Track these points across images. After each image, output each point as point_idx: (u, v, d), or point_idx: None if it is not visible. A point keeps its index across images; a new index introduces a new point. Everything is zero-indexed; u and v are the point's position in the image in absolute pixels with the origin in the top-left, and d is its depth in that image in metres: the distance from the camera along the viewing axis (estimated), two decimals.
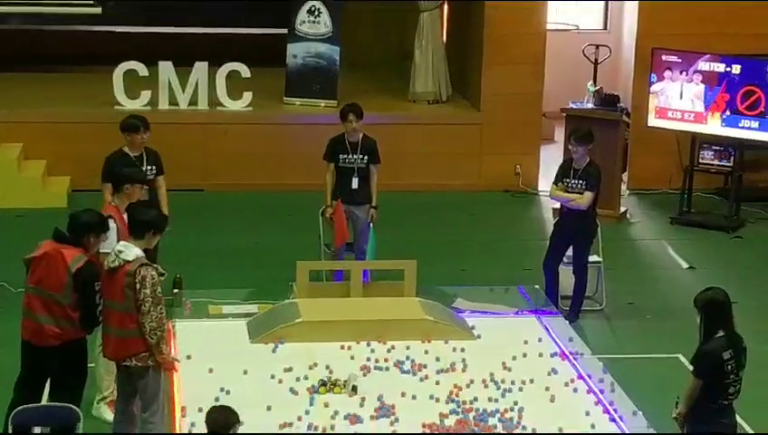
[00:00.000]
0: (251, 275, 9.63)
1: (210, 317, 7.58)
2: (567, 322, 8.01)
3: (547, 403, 6.55)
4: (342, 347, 7.11)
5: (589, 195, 9.02)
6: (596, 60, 12.01)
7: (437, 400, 6.54)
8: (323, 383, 6.55)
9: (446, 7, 13.20)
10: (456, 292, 8.05)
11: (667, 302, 9.70)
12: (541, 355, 7.14)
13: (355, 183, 9.31)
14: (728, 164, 11.73)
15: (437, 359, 7.01)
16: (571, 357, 7.15)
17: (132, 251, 6.55)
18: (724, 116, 11.37)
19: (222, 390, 6.52)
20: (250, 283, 8.76)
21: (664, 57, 11.53)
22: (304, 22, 12.52)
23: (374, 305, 7.53)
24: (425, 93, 12.79)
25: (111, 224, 7.23)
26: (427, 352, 7.11)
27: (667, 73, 11.54)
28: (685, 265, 10.62)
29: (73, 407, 6.59)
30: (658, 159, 12.31)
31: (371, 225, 9.26)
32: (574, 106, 11.77)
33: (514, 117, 12.34)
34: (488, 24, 12.36)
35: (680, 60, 11.46)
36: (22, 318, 6.85)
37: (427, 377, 6.81)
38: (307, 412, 6.34)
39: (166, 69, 12.04)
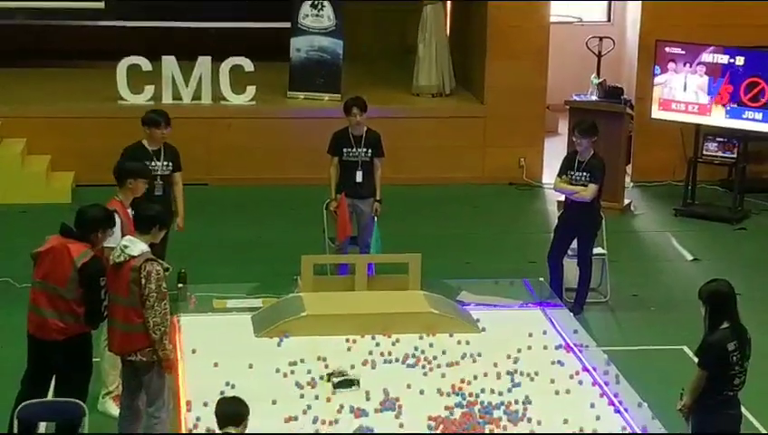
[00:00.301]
0: (255, 269, 9.64)
1: (215, 311, 7.59)
2: (572, 314, 8.01)
3: (552, 396, 6.55)
4: (347, 341, 7.12)
5: (593, 187, 9.02)
6: (599, 52, 12.00)
7: (443, 393, 6.54)
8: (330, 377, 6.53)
9: (449, 1, 13.19)
10: (461, 285, 8.05)
11: (672, 294, 9.70)
12: (545, 348, 7.14)
13: (359, 177, 9.31)
14: (732, 156, 11.72)
15: (442, 352, 7.02)
16: (575, 349, 7.15)
17: (138, 246, 6.55)
18: (728, 108, 11.35)
19: (227, 384, 6.53)
20: (254, 277, 8.76)
21: (667, 49, 11.51)
22: (307, 16, 12.51)
23: (379, 299, 7.53)
24: (428, 87, 12.79)
25: (116, 219, 7.24)
26: (431, 345, 7.11)
27: (671, 65, 11.52)
28: (689, 257, 10.62)
29: (79, 402, 6.61)
30: (662, 150, 12.30)
31: (375, 218, 9.27)
32: (578, 99, 11.77)
33: (518, 110, 12.33)
34: (491, 17, 12.35)
35: (684, 52, 11.44)
36: (27, 311, 6.86)
37: (432, 370, 6.82)
38: (309, 407, 6.35)
39: (169, 63, 12.05)
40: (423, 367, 6.84)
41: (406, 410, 6.34)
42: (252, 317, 7.41)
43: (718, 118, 11.42)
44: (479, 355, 6.99)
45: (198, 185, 11.76)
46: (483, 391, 6.56)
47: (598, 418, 6.33)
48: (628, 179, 12.23)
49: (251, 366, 6.79)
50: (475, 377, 6.70)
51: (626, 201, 11.80)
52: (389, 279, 7.83)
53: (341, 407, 6.34)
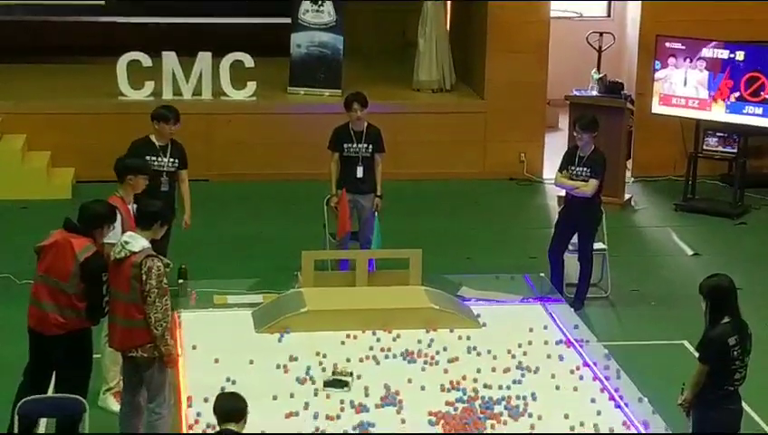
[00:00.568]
0: (256, 264, 9.64)
1: (215, 307, 7.59)
2: (572, 309, 8.00)
3: (553, 391, 6.55)
4: (348, 336, 7.12)
5: (593, 182, 9.02)
6: (600, 47, 12.00)
7: (443, 388, 6.55)
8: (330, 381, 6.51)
9: None
10: (462, 280, 8.05)
11: (672, 289, 9.70)
12: (546, 343, 7.15)
13: (360, 172, 9.31)
14: (732, 150, 11.72)
15: (443, 347, 7.02)
16: (576, 344, 7.15)
17: (139, 242, 6.56)
18: (729, 102, 11.35)
19: (228, 380, 6.53)
20: (255, 273, 8.77)
21: (668, 44, 11.51)
22: (308, 11, 12.51)
23: (379, 294, 7.53)
24: (429, 82, 12.78)
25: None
26: (432, 340, 7.12)
27: (671, 60, 11.52)
28: (689, 252, 10.62)
29: (79, 398, 6.61)
30: (663, 146, 12.30)
31: (376, 214, 9.27)
32: (578, 94, 11.76)
33: (519, 105, 12.33)
34: (492, 13, 12.34)
35: (684, 47, 11.44)
36: (28, 305, 6.87)
37: (432, 365, 6.82)
38: (310, 402, 6.35)
39: (169, 59, 12.04)
40: (424, 362, 6.85)
41: (407, 405, 6.34)
42: (252, 313, 7.42)
43: (718, 113, 11.41)
44: (480, 351, 7.00)
45: (199, 181, 11.76)
46: (484, 386, 6.56)
47: (598, 413, 6.33)
48: (628, 174, 12.23)
49: (252, 362, 6.79)
50: (476, 372, 6.70)
51: (626, 196, 11.80)
52: (390, 274, 7.82)
53: (342, 402, 6.34)
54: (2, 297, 8.96)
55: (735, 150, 11.69)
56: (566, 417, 6.26)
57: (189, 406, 6.30)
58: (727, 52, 11.31)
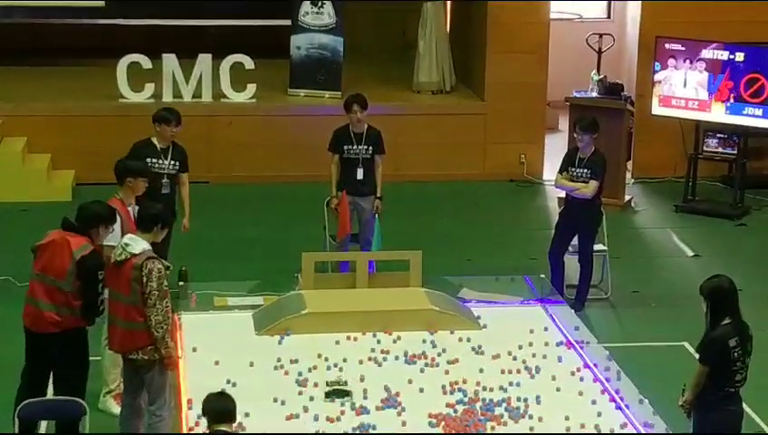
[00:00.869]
0: (256, 266, 9.64)
1: (216, 309, 7.59)
2: (573, 311, 8.00)
3: (553, 392, 6.55)
4: (348, 338, 7.12)
5: (594, 184, 9.02)
6: (599, 49, 12.00)
7: (444, 390, 6.55)
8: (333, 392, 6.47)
9: None
10: (462, 282, 8.05)
11: (673, 290, 9.70)
12: (546, 344, 7.15)
13: (360, 174, 9.31)
14: (732, 152, 11.72)
15: (443, 349, 7.02)
16: (576, 346, 7.15)
17: (139, 244, 6.56)
18: (728, 104, 11.35)
19: (228, 382, 6.53)
20: (255, 275, 8.77)
21: (667, 45, 11.51)
22: (308, 13, 12.51)
23: (380, 296, 7.53)
24: (429, 83, 12.78)
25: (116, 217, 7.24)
26: (432, 342, 7.12)
27: (671, 62, 11.52)
28: (690, 253, 10.62)
29: (79, 400, 6.61)
30: (663, 147, 12.30)
31: (376, 215, 9.27)
32: (578, 95, 11.77)
33: (519, 106, 12.33)
34: (492, 14, 12.35)
35: (684, 48, 11.44)
36: (24, 305, 6.87)
37: (432, 367, 6.82)
38: (311, 404, 6.35)
39: (170, 61, 12.05)
40: (424, 364, 6.85)
41: (407, 407, 6.34)
42: (253, 315, 7.42)
43: (718, 114, 11.42)
44: (480, 352, 7.00)
45: (199, 183, 11.76)
46: (484, 388, 6.56)
47: (599, 414, 6.33)
48: (628, 176, 12.23)
49: (252, 364, 6.79)
50: (476, 374, 6.70)
51: (626, 198, 11.80)
52: (390, 276, 7.83)
53: (343, 405, 6.34)
54: (2, 299, 8.96)
55: (735, 152, 11.69)
56: (567, 418, 6.26)
57: (190, 408, 6.30)
58: (727, 53, 11.31)
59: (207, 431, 5.53)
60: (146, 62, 12.03)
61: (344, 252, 9.11)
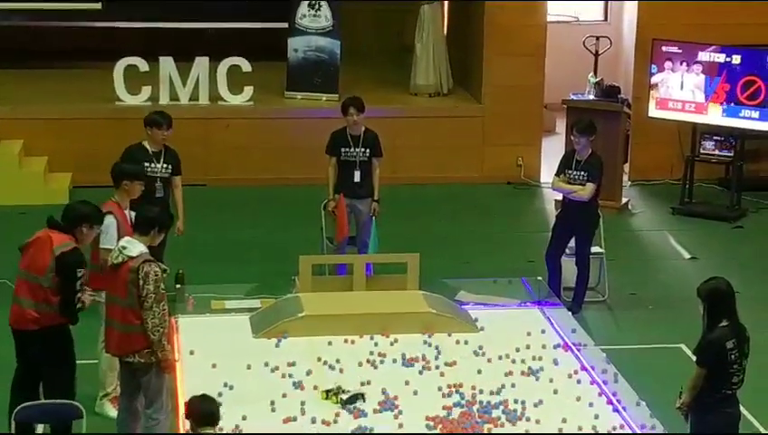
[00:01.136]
0: (253, 269, 9.64)
1: (213, 312, 7.58)
2: (570, 313, 8.00)
3: (550, 395, 6.55)
4: (346, 341, 7.12)
5: (591, 186, 9.03)
6: (596, 51, 12.01)
7: (441, 392, 6.55)
8: (335, 393, 6.43)
9: (446, 0, 13.19)
10: (459, 284, 8.05)
11: (670, 292, 9.70)
12: (544, 347, 7.14)
13: (357, 176, 9.31)
14: (729, 154, 11.73)
15: (441, 352, 7.02)
16: (574, 348, 7.15)
17: (136, 247, 6.56)
18: (725, 106, 11.36)
19: (225, 385, 6.53)
20: (252, 277, 8.76)
21: (664, 48, 11.52)
22: (305, 16, 12.51)
23: (377, 299, 7.53)
24: (426, 86, 12.79)
25: (112, 220, 7.25)
26: (430, 344, 7.11)
27: (668, 64, 11.53)
28: (686, 256, 10.63)
29: (75, 404, 6.60)
30: (660, 149, 12.31)
31: (374, 218, 9.27)
32: (575, 98, 11.77)
33: (516, 109, 12.34)
34: (489, 16, 12.35)
35: (680, 51, 11.45)
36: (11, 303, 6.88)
37: (430, 370, 6.82)
38: (308, 407, 6.35)
39: (166, 64, 12.04)
40: (422, 367, 6.85)
41: (404, 410, 6.34)
42: (250, 318, 7.41)
43: (715, 116, 11.43)
44: (478, 355, 7.00)
45: (196, 186, 11.77)
46: (481, 390, 6.56)
47: (596, 416, 6.33)
48: (625, 178, 12.24)
49: (249, 367, 6.79)
50: (474, 376, 6.70)
51: (623, 200, 11.81)
52: (388, 279, 7.83)
53: (339, 407, 6.33)
54: None
55: (732, 154, 11.71)
56: (564, 421, 6.26)
57: None
58: (724, 55, 11.32)
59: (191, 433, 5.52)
60: (143, 65, 12.03)
61: (341, 255, 9.11)
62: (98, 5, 13.09)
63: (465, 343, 7.15)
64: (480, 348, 7.05)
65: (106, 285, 6.74)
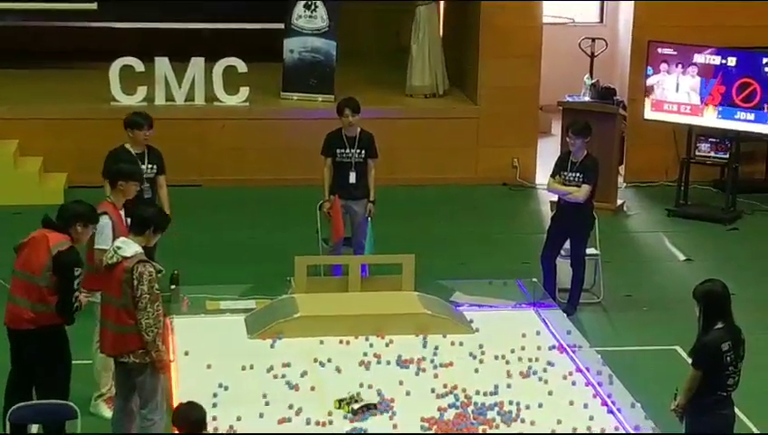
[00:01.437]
0: (249, 270, 9.63)
1: (208, 313, 7.57)
2: (565, 314, 8.01)
3: (545, 396, 6.55)
4: (341, 342, 7.12)
5: (586, 187, 9.03)
6: (592, 53, 12.02)
7: (436, 394, 6.54)
8: (348, 402, 6.39)
9: (442, 1, 13.20)
10: (454, 285, 8.05)
11: (665, 294, 9.71)
12: (539, 348, 7.15)
13: (352, 177, 9.31)
14: (724, 156, 11.74)
15: (436, 353, 7.01)
16: (569, 350, 7.16)
17: (131, 247, 6.55)
18: (720, 108, 11.37)
19: (220, 386, 6.53)
20: (248, 278, 8.75)
21: (660, 50, 11.53)
22: (301, 17, 12.51)
23: (372, 300, 7.53)
24: (422, 87, 12.79)
25: (107, 220, 7.24)
26: (425, 345, 7.11)
27: (663, 66, 11.54)
28: (682, 258, 10.64)
29: (70, 404, 6.59)
30: (655, 151, 12.32)
31: (369, 219, 9.27)
32: (571, 99, 11.78)
33: (511, 110, 12.34)
34: (485, 18, 12.36)
35: (676, 53, 11.46)
36: (6, 303, 6.87)
37: (425, 371, 6.82)
38: (302, 408, 6.34)
39: (162, 64, 12.03)
40: (417, 368, 6.84)
41: (399, 411, 6.34)
42: (245, 319, 7.40)
43: (710, 118, 11.44)
44: (473, 356, 6.99)
45: (192, 186, 11.76)
46: (476, 392, 6.56)
47: (591, 418, 6.33)
48: (621, 180, 12.24)
49: (244, 368, 6.78)
50: (469, 378, 6.70)
51: (619, 202, 11.81)
52: (383, 280, 7.83)
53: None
54: None
55: (727, 156, 11.71)
56: (558, 422, 6.26)
57: None
58: (719, 57, 11.33)
59: None
60: (138, 66, 12.02)
61: (337, 256, 9.11)
62: (93, 6, 13.06)
63: (461, 344, 7.15)
64: (475, 349, 7.05)
65: (101, 286, 6.74)
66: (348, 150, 9.33)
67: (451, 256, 10.34)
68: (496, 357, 6.98)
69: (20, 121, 11.90)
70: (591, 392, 6.64)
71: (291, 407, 6.31)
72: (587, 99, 11.71)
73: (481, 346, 7.10)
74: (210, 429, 5.59)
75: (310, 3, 12.46)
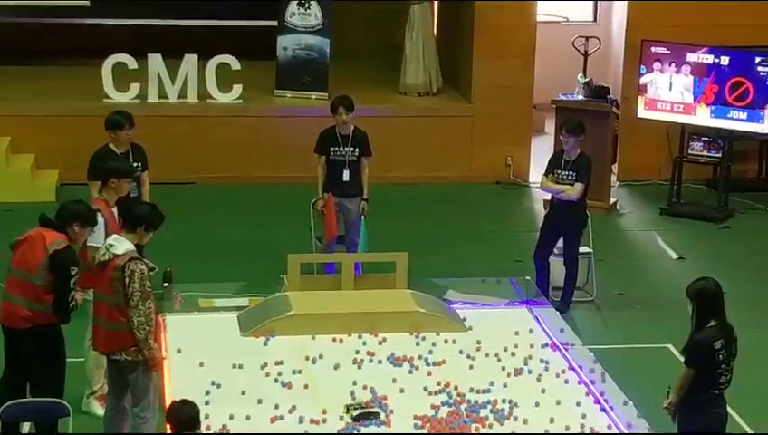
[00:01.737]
0: (242, 268, 9.62)
1: (201, 311, 7.57)
2: (558, 313, 8.02)
3: (538, 394, 6.56)
4: (334, 340, 7.11)
5: (579, 186, 9.04)
6: (586, 52, 12.03)
7: (429, 392, 6.54)
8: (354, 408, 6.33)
9: (436, 0, 13.19)
10: (448, 283, 8.05)
11: (657, 292, 9.72)
12: (532, 346, 7.15)
13: (346, 175, 9.30)
14: (717, 155, 11.76)
15: (429, 351, 7.01)
16: (561, 348, 7.16)
17: (123, 245, 6.54)
18: (713, 107, 11.38)
19: (213, 383, 6.52)
20: (241, 276, 8.75)
21: (653, 49, 11.54)
22: (294, 14, 12.49)
23: (365, 298, 7.53)
24: (415, 85, 12.78)
25: (99, 217, 7.22)
26: (418, 344, 7.11)
27: (657, 65, 11.55)
28: (674, 256, 10.65)
29: (62, 402, 6.58)
30: (648, 150, 12.33)
31: (363, 217, 9.26)
32: (564, 98, 11.79)
33: (505, 109, 12.34)
34: (479, 16, 12.35)
35: (669, 52, 11.47)
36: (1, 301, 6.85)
37: (418, 369, 6.82)
38: (295, 406, 6.34)
39: (155, 61, 12.01)
40: (410, 366, 6.84)
41: (392, 409, 6.33)
42: (238, 316, 7.40)
43: (703, 117, 11.45)
44: (466, 354, 6.99)
45: (185, 184, 11.74)
46: (469, 390, 6.56)
47: (584, 416, 6.34)
48: (614, 178, 12.25)
49: (237, 366, 6.77)
50: (462, 376, 6.70)
51: (612, 200, 11.82)
52: (376, 278, 7.83)
53: (327, 407, 6.32)
54: None
55: (720, 155, 11.73)
56: (551, 420, 6.26)
57: None
58: (712, 57, 11.34)
59: None
60: (131, 63, 11.99)
61: (330, 254, 9.10)
62: (86, 2, 13.03)
63: (454, 342, 7.15)
64: (468, 347, 7.05)
65: (93, 283, 6.72)
66: (341, 148, 9.32)
67: (444, 254, 10.33)
68: (489, 355, 6.98)
69: (12, 118, 11.87)
70: (584, 390, 6.65)
71: (279, 406, 6.30)
72: (580, 97, 11.72)
73: (474, 344, 7.10)
74: (203, 426, 5.58)
75: (303, 0, 12.45)
